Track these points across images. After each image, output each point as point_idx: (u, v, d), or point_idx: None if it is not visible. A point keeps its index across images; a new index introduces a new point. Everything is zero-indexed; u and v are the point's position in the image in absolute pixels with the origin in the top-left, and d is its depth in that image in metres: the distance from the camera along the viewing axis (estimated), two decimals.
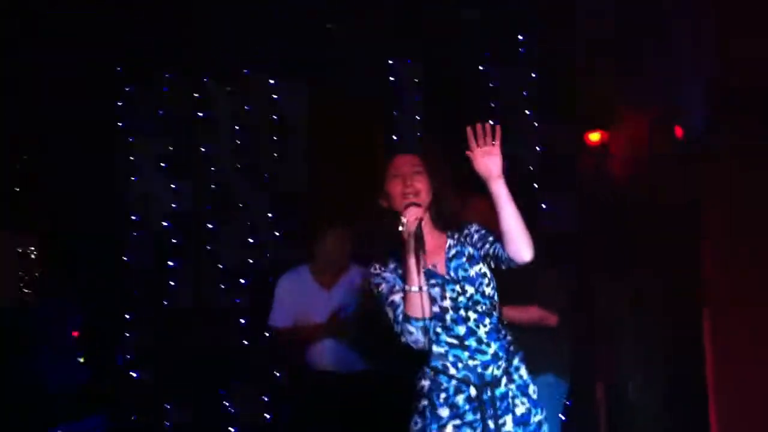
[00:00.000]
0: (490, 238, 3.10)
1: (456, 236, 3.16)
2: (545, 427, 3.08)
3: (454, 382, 3.03)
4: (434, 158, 3.22)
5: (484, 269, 3.08)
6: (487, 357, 3.02)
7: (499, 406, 3.00)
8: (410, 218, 2.97)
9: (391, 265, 3.11)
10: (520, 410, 3.03)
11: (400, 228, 2.96)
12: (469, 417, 3.00)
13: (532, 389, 3.09)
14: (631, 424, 4.90)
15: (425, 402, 3.07)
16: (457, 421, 3.01)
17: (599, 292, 5.02)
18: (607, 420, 4.99)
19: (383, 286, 3.10)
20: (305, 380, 4.51)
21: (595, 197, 5.11)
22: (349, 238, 4.51)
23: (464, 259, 3.10)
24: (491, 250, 3.08)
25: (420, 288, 2.95)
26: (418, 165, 3.17)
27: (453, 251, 3.12)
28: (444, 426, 3.01)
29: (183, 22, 5.25)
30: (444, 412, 3.03)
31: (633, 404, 4.90)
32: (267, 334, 4.84)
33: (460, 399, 3.02)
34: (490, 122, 2.99)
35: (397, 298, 3.04)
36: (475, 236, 3.14)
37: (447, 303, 3.04)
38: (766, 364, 4.15)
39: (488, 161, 2.97)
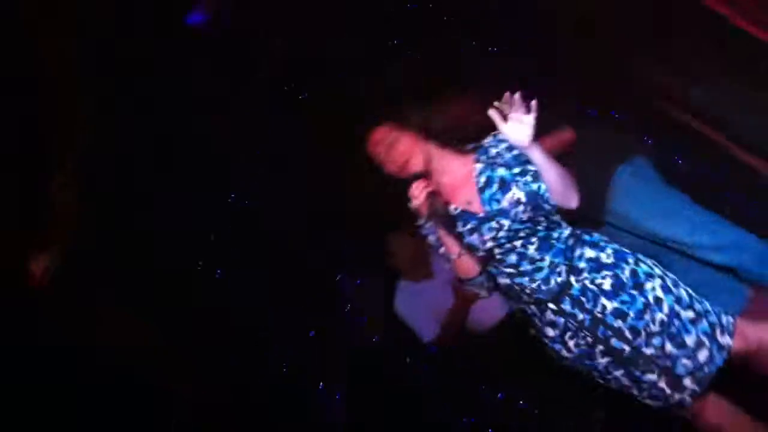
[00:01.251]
0: (531, 169, 3.00)
1: (483, 156, 3.08)
2: (638, 259, 3.05)
3: (533, 307, 3.10)
4: (399, 103, 3.17)
5: (518, 194, 3.00)
6: (545, 272, 3.02)
7: (586, 301, 3.01)
8: (418, 200, 2.98)
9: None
10: (607, 284, 3.02)
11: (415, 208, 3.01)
12: (572, 326, 3.05)
13: (606, 255, 3.06)
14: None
15: (533, 332, 3.21)
16: (569, 333, 3.08)
17: None
18: None
19: (431, 238, 3.18)
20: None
21: None
22: (407, 233, 4.42)
23: (496, 186, 3.02)
24: (533, 186, 3.01)
25: (459, 254, 3.03)
26: (388, 132, 3.09)
27: (483, 178, 3.04)
28: (563, 342, 3.10)
29: None
30: (550, 332, 3.12)
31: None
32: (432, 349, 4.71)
33: (550, 317, 3.08)
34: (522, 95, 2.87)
35: (443, 250, 3.13)
36: (506, 154, 3.06)
37: (489, 244, 3.04)
38: None
39: (518, 130, 2.85)
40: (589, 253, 3.05)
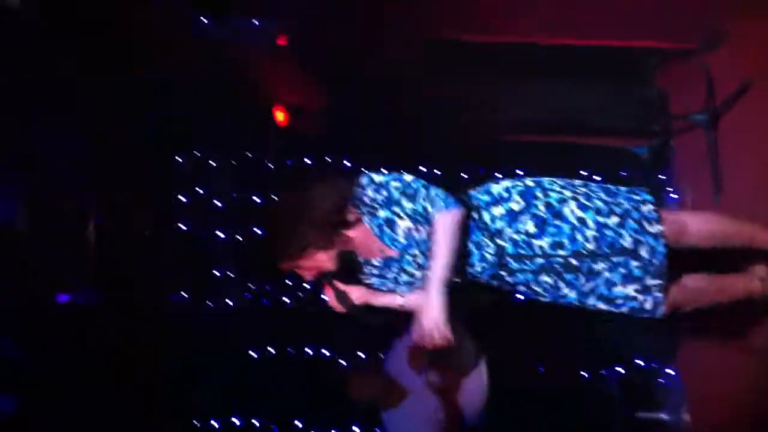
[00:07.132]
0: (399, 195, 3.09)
1: (365, 208, 3.11)
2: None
3: (494, 283, 3.22)
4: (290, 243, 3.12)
5: (405, 223, 3.07)
6: (476, 254, 3.12)
7: (524, 252, 3.11)
8: (332, 300, 3.12)
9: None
10: (531, 227, 3.11)
11: (342, 306, 3.13)
12: (529, 278, 3.16)
13: (515, 203, 3.14)
14: None
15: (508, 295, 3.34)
16: (531, 284, 3.20)
17: None
18: None
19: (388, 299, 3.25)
20: None
21: None
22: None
23: (386, 228, 3.09)
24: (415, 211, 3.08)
25: (402, 300, 3.20)
26: (287, 266, 3.13)
27: (375, 227, 3.11)
28: (535, 292, 3.23)
29: None
30: (522, 288, 3.23)
31: None
32: None
33: (509, 279, 3.20)
34: None
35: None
36: (377, 196, 3.08)
37: (419, 273, 3.14)
38: None
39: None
40: (498, 210, 3.12)
